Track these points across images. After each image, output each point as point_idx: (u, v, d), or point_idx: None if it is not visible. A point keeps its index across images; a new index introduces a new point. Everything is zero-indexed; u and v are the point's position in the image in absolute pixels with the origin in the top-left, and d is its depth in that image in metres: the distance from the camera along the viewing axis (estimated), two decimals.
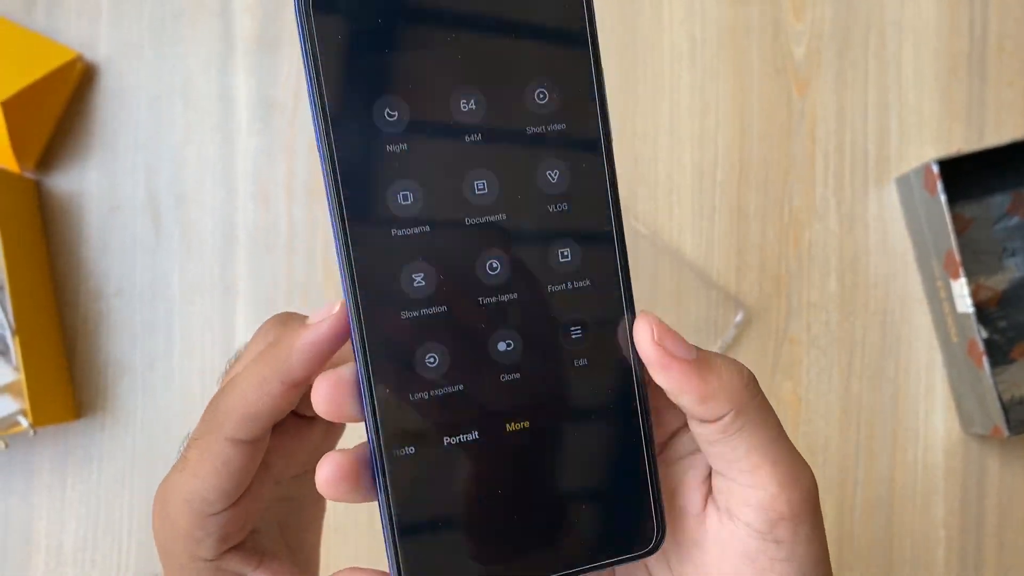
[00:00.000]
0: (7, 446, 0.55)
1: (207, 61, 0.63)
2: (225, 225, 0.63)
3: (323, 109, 0.22)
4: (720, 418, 0.22)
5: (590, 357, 0.23)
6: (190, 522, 0.26)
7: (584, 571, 0.24)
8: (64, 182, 0.63)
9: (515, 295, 0.23)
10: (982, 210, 0.62)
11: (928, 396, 0.61)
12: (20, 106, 0.58)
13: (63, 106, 0.62)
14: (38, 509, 0.61)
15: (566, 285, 0.23)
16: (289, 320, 0.28)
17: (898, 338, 0.61)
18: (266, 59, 0.63)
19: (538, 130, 0.23)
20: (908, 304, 0.62)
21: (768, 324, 0.61)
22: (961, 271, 0.55)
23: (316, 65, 0.22)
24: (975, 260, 0.61)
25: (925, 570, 0.61)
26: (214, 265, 0.62)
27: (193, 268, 0.62)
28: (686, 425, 0.25)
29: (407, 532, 0.23)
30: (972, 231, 0.61)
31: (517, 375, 0.23)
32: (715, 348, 0.59)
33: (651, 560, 0.26)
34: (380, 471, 0.22)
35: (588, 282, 0.23)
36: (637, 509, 0.24)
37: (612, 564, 0.24)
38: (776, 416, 0.23)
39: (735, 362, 0.23)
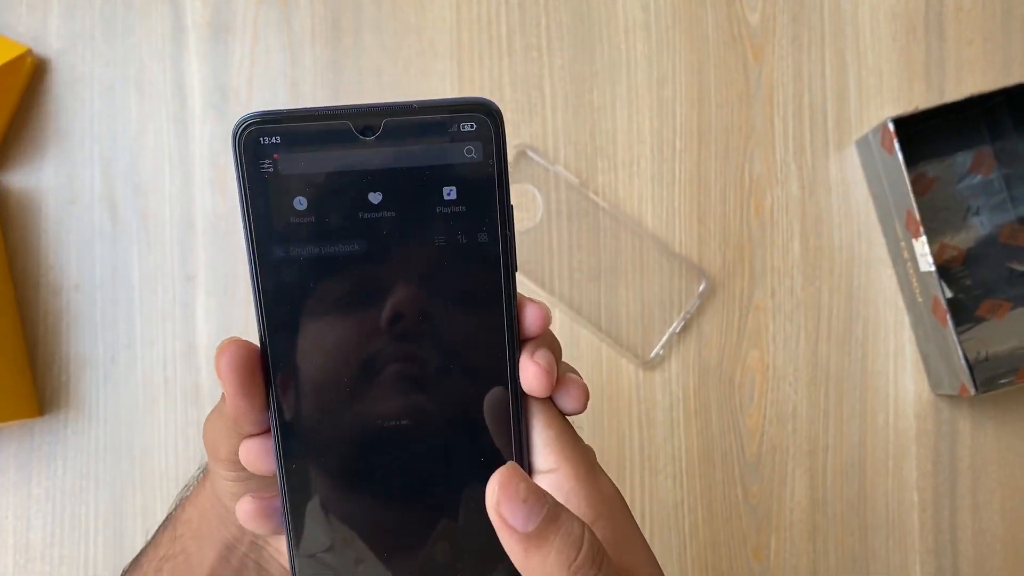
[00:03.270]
0: None
1: (160, 49, 0.63)
2: (183, 213, 0.62)
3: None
4: None
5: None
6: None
7: None
8: (20, 177, 0.62)
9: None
10: (944, 169, 0.61)
11: (897, 358, 0.60)
12: None
13: (15, 102, 0.62)
14: (4, 508, 0.61)
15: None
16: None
17: (864, 301, 0.61)
18: (219, 46, 0.62)
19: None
20: (873, 267, 0.61)
21: (732, 292, 0.61)
22: (921, 230, 0.54)
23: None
24: (939, 219, 0.60)
25: (900, 533, 0.60)
26: (174, 254, 0.62)
27: (152, 258, 0.62)
28: None
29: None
30: (935, 190, 0.61)
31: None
32: (678, 319, 0.58)
33: None
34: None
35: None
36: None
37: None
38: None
39: (574, 545, 0.22)
